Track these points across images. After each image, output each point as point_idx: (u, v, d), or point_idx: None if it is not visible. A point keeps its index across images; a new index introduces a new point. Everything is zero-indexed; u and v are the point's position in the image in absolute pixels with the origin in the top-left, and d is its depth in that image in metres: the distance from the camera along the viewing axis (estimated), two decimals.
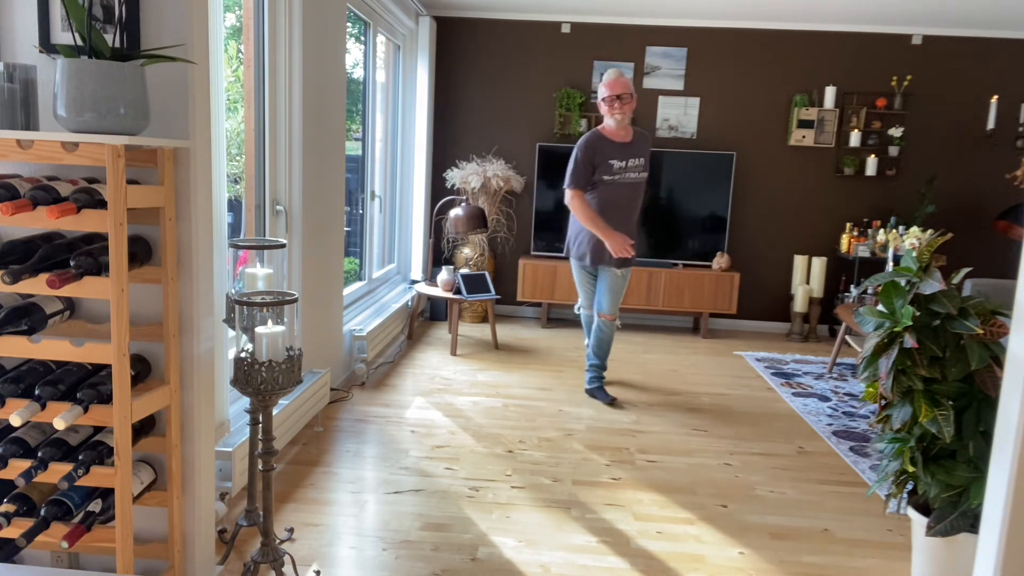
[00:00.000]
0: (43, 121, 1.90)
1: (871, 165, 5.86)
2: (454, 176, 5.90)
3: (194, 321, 1.94)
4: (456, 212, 5.11)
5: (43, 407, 1.71)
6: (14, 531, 1.78)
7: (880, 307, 2.23)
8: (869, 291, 4.63)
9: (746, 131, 6.02)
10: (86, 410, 1.72)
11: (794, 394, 4.46)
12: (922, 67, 5.85)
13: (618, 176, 3.90)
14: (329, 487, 2.91)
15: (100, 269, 1.71)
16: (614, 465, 3.27)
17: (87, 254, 1.69)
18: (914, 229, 5.24)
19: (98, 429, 1.91)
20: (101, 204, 1.71)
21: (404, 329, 5.38)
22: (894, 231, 5.47)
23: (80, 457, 1.75)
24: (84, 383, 1.77)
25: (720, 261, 5.87)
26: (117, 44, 1.83)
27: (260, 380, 1.86)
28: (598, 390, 4.18)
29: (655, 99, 6.03)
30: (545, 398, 4.17)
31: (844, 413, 4.15)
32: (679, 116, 6.04)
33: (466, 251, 5.95)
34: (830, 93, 5.83)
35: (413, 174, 5.97)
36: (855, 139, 5.85)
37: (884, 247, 5.61)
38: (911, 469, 2.16)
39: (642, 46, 5.97)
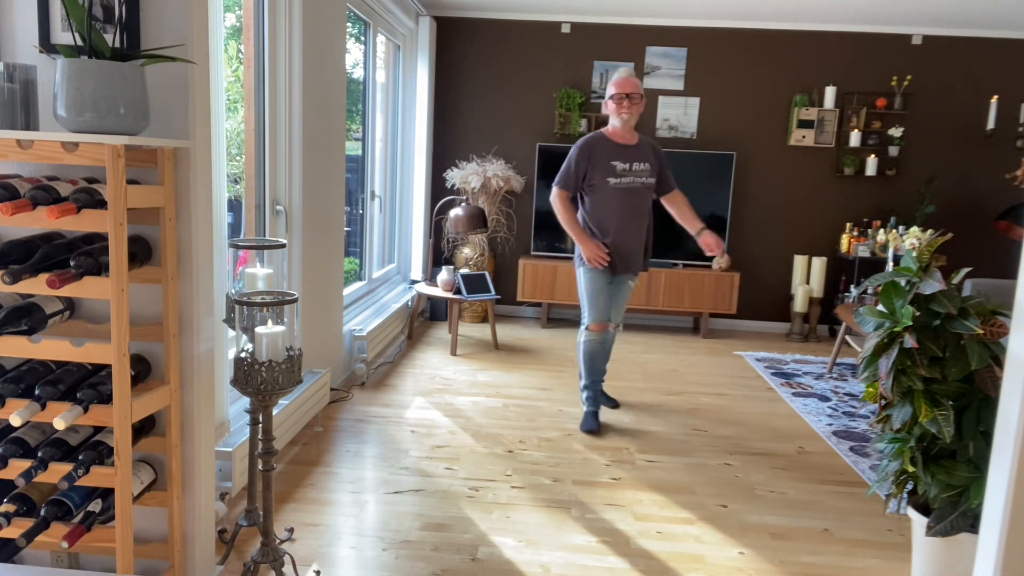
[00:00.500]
0: (43, 121, 1.90)
1: (871, 165, 5.86)
2: (454, 176, 5.90)
3: (194, 321, 1.94)
4: (456, 212, 5.11)
5: (43, 407, 1.71)
6: (14, 531, 1.78)
7: (880, 307, 2.23)
8: (869, 291, 4.63)
9: (746, 131, 6.02)
10: (86, 410, 1.72)
11: (794, 394, 4.46)
12: (922, 67, 5.85)
13: (622, 179, 3.60)
14: (329, 487, 2.91)
15: (100, 269, 1.71)
16: (614, 465, 3.27)
17: (87, 254, 1.69)
18: (914, 229, 5.25)
19: (98, 429, 1.91)
20: (101, 204, 1.71)
21: (404, 329, 5.38)
22: (894, 231, 5.47)
23: (80, 457, 1.75)
24: (84, 383, 1.77)
25: (720, 261, 5.86)
26: (117, 44, 1.83)
27: (260, 380, 1.86)
28: (595, 415, 3.72)
29: (655, 99, 6.03)
30: (545, 398, 4.16)
31: (844, 413, 4.15)
32: (679, 116, 6.04)
33: (466, 251, 5.95)
34: (830, 93, 5.83)
35: (413, 174, 5.97)
36: (855, 139, 5.85)
37: (884, 247, 5.61)
38: (911, 469, 2.16)
39: (642, 46, 5.98)
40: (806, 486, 3.14)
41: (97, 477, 1.76)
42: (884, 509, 2.94)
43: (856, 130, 5.85)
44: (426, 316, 6.14)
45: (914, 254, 2.19)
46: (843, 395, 4.49)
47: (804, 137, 5.91)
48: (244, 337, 1.97)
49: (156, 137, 1.87)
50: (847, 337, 4.98)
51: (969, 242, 6.02)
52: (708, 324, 6.00)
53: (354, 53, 4.83)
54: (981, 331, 2.04)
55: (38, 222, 1.66)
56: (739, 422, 3.93)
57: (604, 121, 5.88)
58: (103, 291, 1.68)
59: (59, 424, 1.64)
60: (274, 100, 3.29)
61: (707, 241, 3.78)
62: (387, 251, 5.71)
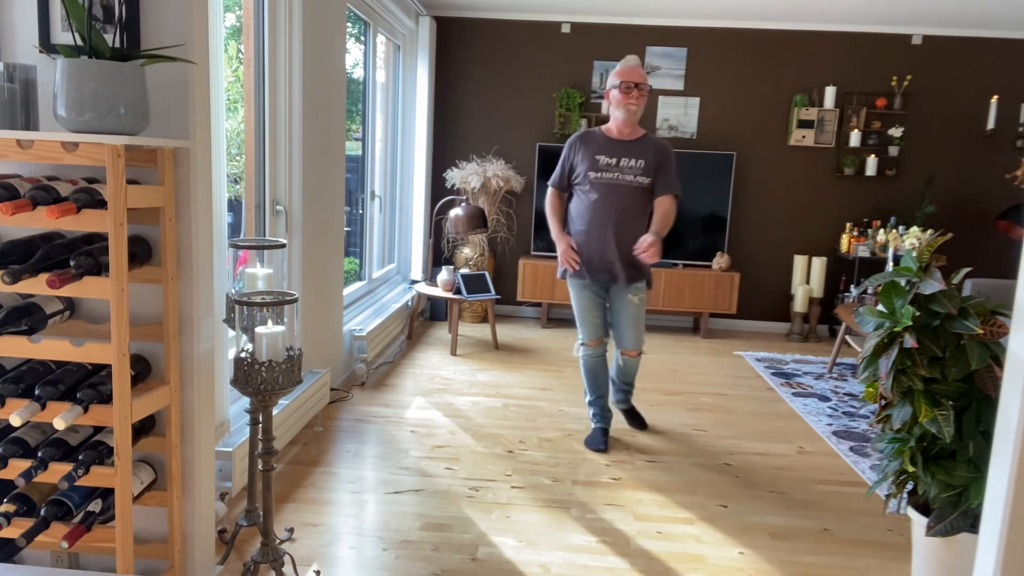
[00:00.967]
0: (43, 121, 1.90)
1: (871, 165, 5.86)
2: (454, 176, 5.90)
3: (194, 321, 1.94)
4: (456, 212, 5.11)
5: (43, 407, 1.71)
6: (14, 531, 1.78)
7: (880, 307, 2.23)
8: (869, 291, 4.63)
9: (746, 131, 6.02)
10: (86, 410, 1.72)
11: (794, 394, 4.46)
12: (922, 67, 5.85)
13: (603, 174, 3.32)
14: (329, 487, 2.91)
15: (100, 269, 1.71)
16: (614, 465, 3.27)
17: (87, 254, 1.69)
18: (914, 229, 5.25)
19: (98, 429, 1.91)
20: (101, 204, 1.71)
21: (404, 329, 5.38)
22: (894, 231, 5.47)
23: (80, 457, 1.75)
24: (84, 383, 1.77)
25: (720, 261, 5.87)
26: (117, 44, 1.83)
27: (260, 380, 1.86)
28: (602, 433, 3.51)
29: (655, 99, 6.03)
30: (545, 398, 4.16)
31: (844, 413, 4.15)
32: (679, 116, 6.04)
33: (466, 251, 5.95)
34: (830, 93, 5.83)
35: (413, 174, 5.96)
36: (855, 139, 5.85)
37: (884, 247, 5.61)
38: (911, 469, 2.16)
39: (642, 46, 5.97)
40: (806, 486, 3.14)
41: (97, 477, 1.76)
42: (884, 509, 2.94)
43: (856, 130, 5.85)
44: (426, 316, 6.14)
45: (914, 254, 2.19)
46: (843, 395, 4.49)
47: (804, 137, 5.91)
48: (244, 337, 1.97)
49: (156, 137, 1.87)
50: (847, 337, 4.98)
51: (969, 242, 6.02)
52: (708, 324, 6.00)
53: (354, 53, 4.83)
54: (981, 331, 2.04)
55: (38, 222, 1.66)
56: (739, 422, 3.93)
57: (604, 121, 5.87)
58: (103, 291, 1.68)
59: (59, 424, 1.64)
60: (274, 100, 3.29)
61: (643, 238, 3.23)
62: (387, 251, 5.71)
